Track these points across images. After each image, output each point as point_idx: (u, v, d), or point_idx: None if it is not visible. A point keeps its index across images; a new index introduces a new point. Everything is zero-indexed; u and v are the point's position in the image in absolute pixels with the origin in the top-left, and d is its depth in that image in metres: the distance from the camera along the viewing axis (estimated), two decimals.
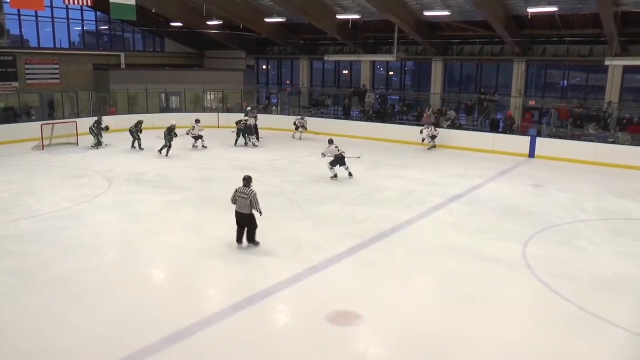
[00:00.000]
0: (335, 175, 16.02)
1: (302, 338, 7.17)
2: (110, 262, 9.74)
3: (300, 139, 24.03)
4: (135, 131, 20.31)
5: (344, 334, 7.25)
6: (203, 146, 20.95)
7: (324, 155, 16.24)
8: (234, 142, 21.80)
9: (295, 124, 24.33)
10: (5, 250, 9.96)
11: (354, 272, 9.35)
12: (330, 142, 16.37)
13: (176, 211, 12.67)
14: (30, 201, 13.17)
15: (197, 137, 20.95)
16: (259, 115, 24.79)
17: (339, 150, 15.94)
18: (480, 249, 10.45)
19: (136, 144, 20.43)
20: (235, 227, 10.22)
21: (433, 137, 21.35)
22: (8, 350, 6.70)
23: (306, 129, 24.21)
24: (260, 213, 9.98)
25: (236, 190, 9.97)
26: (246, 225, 10.07)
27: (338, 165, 15.99)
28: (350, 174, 16.09)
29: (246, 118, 22.55)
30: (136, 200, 13.41)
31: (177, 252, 10.14)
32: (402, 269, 9.60)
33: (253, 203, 9.81)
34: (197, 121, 21.27)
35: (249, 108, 24.92)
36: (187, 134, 20.75)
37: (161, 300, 8.30)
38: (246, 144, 21.68)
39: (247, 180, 9.98)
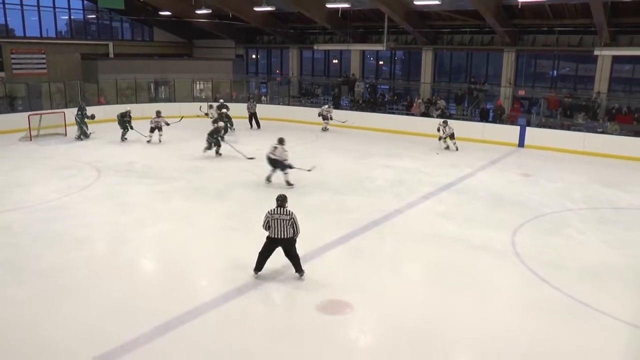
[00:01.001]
0: (269, 179, 14.18)
1: (293, 327, 7.19)
2: (100, 252, 9.70)
3: (326, 129, 23.26)
4: (124, 121, 19.89)
5: (334, 323, 7.27)
6: (159, 140, 19.74)
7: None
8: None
9: (320, 114, 23.35)
10: None
11: (344, 261, 9.38)
12: (281, 142, 13.90)
13: (166, 201, 12.63)
14: (19, 192, 13.06)
15: (155, 129, 19.76)
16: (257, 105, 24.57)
17: (283, 153, 13.69)
18: (470, 237, 10.50)
19: (127, 135, 20.02)
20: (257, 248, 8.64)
21: (452, 136, 19.32)
22: None
23: (331, 119, 23.14)
24: (298, 233, 8.52)
25: (270, 213, 8.38)
26: (288, 250, 8.48)
27: (279, 169, 13.99)
28: (288, 183, 13.79)
29: (211, 114, 21.55)
30: (125, 191, 13.34)
31: (167, 242, 10.11)
32: (392, 258, 9.64)
33: (295, 225, 8.40)
34: (158, 113, 20.04)
35: (221, 100, 23.13)
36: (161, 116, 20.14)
37: (151, 290, 8.29)
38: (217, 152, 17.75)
39: (282, 200, 8.50)
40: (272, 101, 29.27)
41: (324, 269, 9.00)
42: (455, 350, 6.82)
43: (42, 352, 6.46)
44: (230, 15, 28.05)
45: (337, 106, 26.51)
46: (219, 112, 21.34)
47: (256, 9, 25.16)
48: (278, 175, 14.03)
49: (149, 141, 19.56)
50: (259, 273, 8.51)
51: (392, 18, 23.44)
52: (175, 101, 27.34)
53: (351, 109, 25.91)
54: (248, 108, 24.10)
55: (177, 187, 13.81)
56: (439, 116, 22.92)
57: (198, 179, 14.65)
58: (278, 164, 13.90)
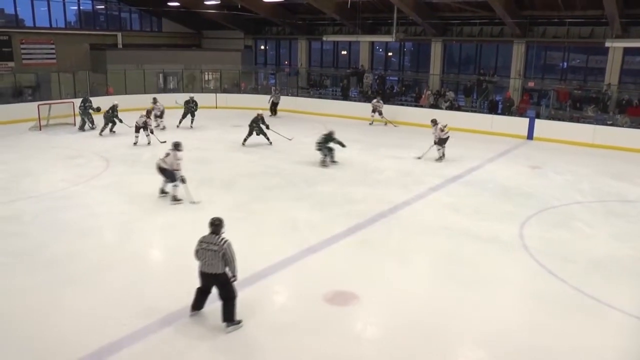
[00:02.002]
0: (163, 191, 12.11)
1: (300, 318, 7.20)
2: (107, 242, 9.74)
3: (371, 124, 22.95)
4: (111, 116, 19.24)
5: (341, 314, 7.28)
6: (155, 129, 18.83)
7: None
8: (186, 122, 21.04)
9: (373, 106, 22.96)
10: (2, 231, 9.95)
11: (351, 253, 9.37)
12: (176, 147, 11.78)
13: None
14: (28, 182, 13.14)
15: (140, 128, 18.23)
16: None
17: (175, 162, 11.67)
18: (477, 229, 10.47)
19: (114, 128, 19.59)
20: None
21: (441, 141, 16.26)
22: (4, 330, 6.72)
23: (381, 115, 22.78)
24: (234, 276, 6.85)
25: (200, 241, 6.85)
26: (218, 290, 6.87)
27: (168, 180, 11.94)
28: (175, 198, 11.74)
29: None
30: (133, 181, 13.40)
31: (174, 232, 10.16)
32: (399, 250, 9.63)
33: (227, 258, 6.72)
34: (148, 112, 19.06)
35: (192, 96, 22.06)
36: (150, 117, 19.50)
37: (158, 279, 8.33)
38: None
39: (217, 226, 6.91)
40: (281, 92, 29.17)
41: (331, 260, 9.02)
42: (461, 342, 6.81)
43: (50, 340, 6.50)
44: (239, 6, 27.95)
45: (346, 97, 26.48)
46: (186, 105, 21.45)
47: None
48: (286, 168, 13.96)
49: (135, 143, 17.64)
50: (198, 311, 7.05)
51: (401, 9, 23.29)
52: (183, 92, 27.34)
53: (360, 100, 25.80)
54: (272, 98, 24.88)
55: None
56: (447, 108, 22.83)
57: (204, 169, 14.66)
58: (167, 173, 11.74)
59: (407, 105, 24.66)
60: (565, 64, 23.84)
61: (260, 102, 25.41)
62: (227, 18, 30.76)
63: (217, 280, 6.75)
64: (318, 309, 7.36)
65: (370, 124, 22.98)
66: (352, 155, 16.17)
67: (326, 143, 15.30)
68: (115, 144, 17.64)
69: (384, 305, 7.63)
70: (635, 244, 10.04)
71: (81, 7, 30.63)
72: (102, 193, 12.40)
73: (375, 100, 23.25)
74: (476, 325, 7.06)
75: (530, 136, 20.38)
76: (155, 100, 20.78)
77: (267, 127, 17.91)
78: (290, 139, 15.89)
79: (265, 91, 29.24)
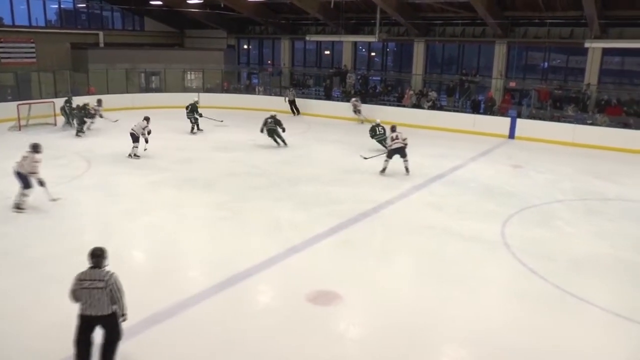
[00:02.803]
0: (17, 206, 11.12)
1: (283, 318, 7.19)
2: (89, 243, 9.49)
3: (362, 123, 22.94)
4: (82, 114, 19.35)
5: (324, 314, 7.29)
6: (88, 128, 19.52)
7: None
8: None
9: (353, 105, 23.40)
10: None
11: (334, 252, 9.39)
12: (35, 149, 11.05)
13: (156, 192, 12.59)
14: (7, 182, 12.94)
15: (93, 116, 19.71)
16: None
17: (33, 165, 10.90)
18: (460, 228, 10.55)
19: (86, 126, 19.62)
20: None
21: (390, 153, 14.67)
22: None
23: (360, 113, 23.19)
24: (124, 315, 5.90)
25: (79, 279, 5.67)
26: (104, 333, 5.74)
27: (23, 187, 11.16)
28: (18, 207, 10.90)
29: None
30: (115, 181, 13.29)
31: (157, 232, 10.10)
32: (382, 249, 9.68)
33: (116, 295, 5.68)
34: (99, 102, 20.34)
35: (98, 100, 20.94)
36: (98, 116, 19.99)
37: (141, 281, 8.24)
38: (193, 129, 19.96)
39: (99, 257, 5.80)
40: (264, 92, 29.15)
41: (314, 260, 9.04)
42: (444, 341, 6.85)
43: (33, 341, 6.44)
44: (222, 5, 27.84)
45: (329, 97, 26.55)
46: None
47: None
48: (269, 168, 13.94)
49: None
50: None
51: (384, 9, 23.35)
52: (165, 91, 27.21)
53: (342, 100, 25.85)
54: (287, 97, 25.10)
55: (167, 177, 13.77)
56: (429, 108, 22.96)
57: (187, 169, 14.62)
58: (22, 178, 10.85)
59: (390, 105, 24.74)
60: (546, 64, 24.10)
61: (245, 102, 25.48)
62: (209, 17, 30.62)
63: (106, 322, 5.65)
64: (301, 309, 7.36)
65: (361, 123, 22.96)
66: (334, 155, 16.21)
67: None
68: (96, 144, 17.49)
69: (367, 305, 7.66)
70: (615, 241, 10.18)
71: (62, 6, 30.26)
72: (84, 194, 12.28)
73: (354, 100, 23.56)
74: (459, 324, 7.11)
75: (511, 135, 20.57)
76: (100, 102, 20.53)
77: (283, 130, 17.97)
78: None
79: (249, 90, 29.27)
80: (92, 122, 19.89)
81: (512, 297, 7.97)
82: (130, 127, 15.90)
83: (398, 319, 7.19)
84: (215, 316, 7.15)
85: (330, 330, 6.94)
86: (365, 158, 15.31)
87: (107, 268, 5.76)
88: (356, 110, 23.29)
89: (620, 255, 9.55)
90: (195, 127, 20.15)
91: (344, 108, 24.26)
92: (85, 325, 5.63)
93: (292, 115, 24.96)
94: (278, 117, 18.14)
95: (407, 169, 14.43)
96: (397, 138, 14.32)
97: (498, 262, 9.17)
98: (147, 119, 16.08)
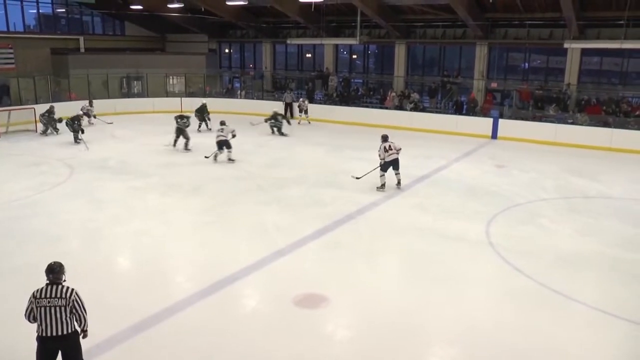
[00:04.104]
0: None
1: (270, 322, 7.18)
2: (74, 250, 9.55)
3: (300, 123, 23.56)
4: (47, 121, 19.76)
5: (311, 317, 7.30)
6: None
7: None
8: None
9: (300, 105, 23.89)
10: None
11: (320, 255, 9.40)
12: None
13: (140, 197, 12.50)
14: None
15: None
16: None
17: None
18: (445, 228, 10.61)
19: (51, 130, 19.93)
20: None
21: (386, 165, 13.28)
22: None
23: (306, 113, 23.73)
24: (85, 332, 5.48)
25: (36, 297, 5.29)
26: (64, 354, 5.34)
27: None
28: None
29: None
30: (99, 187, 13.17)
31: (143, 238, 10.02)
32: (368, 251, 9.69)
33: (78, 311, 5.32)
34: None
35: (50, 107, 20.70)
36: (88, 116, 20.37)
37: (127, 287, 8.20)
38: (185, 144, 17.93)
39: (57, 273, 5.42)
40: (246, 96, 29.08)
41: (300, 263, 9.03)
42: (432, 341, 6.89)
43: (17, 348, 6.35)
44: (203, 9, 27.77)
45: (311, 100, 26.52)
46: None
47: (229, 2, 24.94)
48: (254, 171, 13.86)
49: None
50: None
51: (364, 12, 23.46)
52: (148, 96, 27.03)
53: (325, 102, 25.90)
54: (285, 100, 24.95)
55: (151, 183, 13.69)
56: (412, 109, 23.07)
57: (172, 174, 14.53)
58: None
59: (373, 107, 24.81)
60: (526, 64, 24.36)
61: (227, 106, 25.35)
62: (190, 21, 30.52)
63: (67, 342, 5.26)
64: (288, 312, 7.35)
65: (298, 123, 23.53)
66: (318, 157, 16.23)
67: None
68: (79, 150, 17.31)
69: (355, 306, 7.67)
70: (598, 238, 10.31)
71: (41, 11, 29.93)
72: (67, 200, 12.15)
73: (301, 100, 24.12)
74: (446, 324, 7.15)
75: (494, 136, 20.74)
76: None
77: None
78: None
79: (230, 94, 29.17)
80: (90, 123, 20.80)
81: (498, 296, 8.03)
82: (208, 136, 16.93)
83: (385, 320, 7.21)
84: (203, 321, 7.11)
85: (318, 333, 6.94)
86: (357, 178, 13.69)
87: (65, 283, 5.40)
88: (304, 110, 23.73)
89: (604, 251, 9.66)
90: (204, 125, 21.36)
91: (327, 110, 24.36)
92: (47, 348, 5.25)
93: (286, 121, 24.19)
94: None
95: (399, 182, 13.30)
96: (391, 148, 13.03)
97: (484, 261, 9.23)
98: (223, 122, 16.25)
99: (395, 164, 13.11)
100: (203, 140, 18.22)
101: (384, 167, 13.11)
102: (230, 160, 15.79)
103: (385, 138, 13.33)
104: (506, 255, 9.35)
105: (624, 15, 18.58)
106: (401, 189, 13.26)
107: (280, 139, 20.01)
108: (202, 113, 21.27)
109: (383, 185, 13.15)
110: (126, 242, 10.00)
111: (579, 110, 20.72)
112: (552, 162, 16.68)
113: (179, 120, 17.60)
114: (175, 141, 17.66)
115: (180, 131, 17.51)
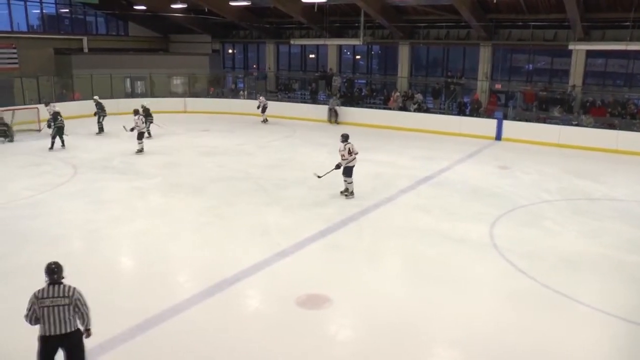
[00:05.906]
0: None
1: (273, 322, 7.15)
2: (76, 251, 9.54)
3: (265, 121, 23.84)
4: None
5: (314, 318, 7.26)
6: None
7: None
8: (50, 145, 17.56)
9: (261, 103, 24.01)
10: None
11: (323, 256, 9.36)
12: None
13: (143, 198, 12.49)
14: None
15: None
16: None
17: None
18: (448, 230, 10.56)
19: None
20: None
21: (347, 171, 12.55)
22: None
23: (264, 112, 23.99)
24: (89, 330, 5.47)
25: (37, 298, 5.23)
26: (67, 353, 5.34)
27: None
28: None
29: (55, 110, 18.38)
30: (101, 188, 13.15)
31: (145, 239, 10.00)
32: (371, 252, 9.64)
33: (82, 309, 5.33)
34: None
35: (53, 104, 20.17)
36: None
37: (129, 288, 8.19)
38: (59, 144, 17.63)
39: (57, 272, 5.37)
40: (249, 96, 29.07)
41: (302, 264, 8.99)
42: (435, 342, 6.85)
43: (17, 348, 6.33)
44: (206, 10, 27.77)
45: (315, 101, 26.55)
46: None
47: (232, 3, 24.95)
48: (255, 172, 13.82)
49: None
50: None
51: (368, 13, 23.43)
52: (151, 96, 27.03)
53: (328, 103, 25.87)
54: (331, 105, 24.53)
55: (154, 183, 13.68)
56: (415, 110, 23.02)
57: (174, 174, 14.51)
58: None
59: (376, 108, 24.78)
60: (530, 66, 24.28)
61: (230, 107, 25.35)
62: (194, 22, 30.54)
63: (70, 340, 5.25)
64: (291, 313, 7.32)
65: (262, 121, 23.78)
66: (320, 158, 16.17)
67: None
68: (82, 150, 17.31)
69: (357, 307, 7.63)
70: (602, 240, 10.25)
71: (44, 11, 29.98)
72: (70, 200, 12.13)
73: (262, 98, 24.21)
74: (449, 325, 7.10)
75: (498, 137, 20.67)
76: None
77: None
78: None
79: (234, 95, 29.16)
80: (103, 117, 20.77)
81: (502, 297, 7.97)
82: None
83: (388, 321, 7.17)
84: (205, 321, 7.08)
85: (321, 334, 6.90)
86: (319, 176, 12.80)
87: (65, 282, 5.37)
88: (260, 107, 23.85)
89: (608, 253, 9.61)
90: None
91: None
92: (49, 348, 5.25)
93: (330, 123, 24.30)
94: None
95: (348, 192, 12.51)
96: (353, 152, 12.25)
97: (487, 262, 9.18)
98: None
99: (351, 171, 12.39)
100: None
101: (348, 172, 12.35)
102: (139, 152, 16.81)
103: (346, 137, 12.47)
104: (509, 256, 9.29)
105: (630, 17, 18.54)
106: (401, 189, 13.21)
107: (280, 139, 19.92)
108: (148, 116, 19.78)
109: (352, 193, 12.51)
110: (128, 242, 9.98)
111: (584, 112, 20.64)
112: (556, 163, 16.62)
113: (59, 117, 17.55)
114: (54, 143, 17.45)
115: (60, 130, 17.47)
